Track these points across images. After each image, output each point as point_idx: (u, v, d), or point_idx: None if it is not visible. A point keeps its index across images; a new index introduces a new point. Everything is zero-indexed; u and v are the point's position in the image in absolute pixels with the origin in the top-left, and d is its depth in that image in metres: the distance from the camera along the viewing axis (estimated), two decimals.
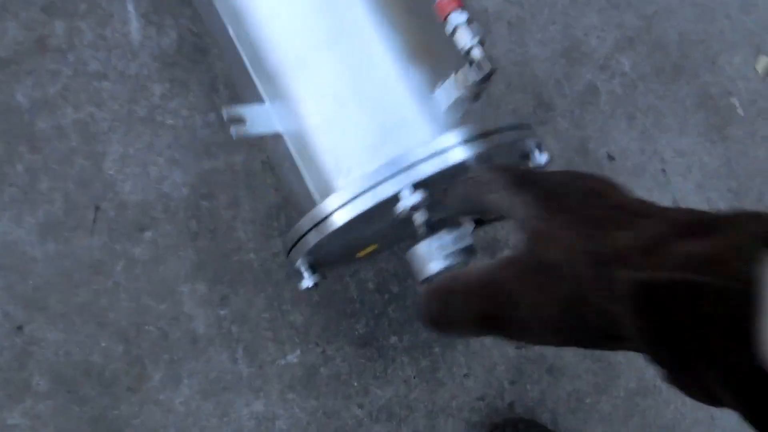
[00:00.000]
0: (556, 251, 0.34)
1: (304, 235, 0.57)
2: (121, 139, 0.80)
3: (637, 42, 0.93)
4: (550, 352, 0.84)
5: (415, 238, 0.63)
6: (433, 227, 0.61)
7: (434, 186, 0.54)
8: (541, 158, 0.62)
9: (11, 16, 0.81)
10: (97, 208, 0.78)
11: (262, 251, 0.80)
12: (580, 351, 0.85)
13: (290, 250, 0.59)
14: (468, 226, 0.58)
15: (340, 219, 0.53)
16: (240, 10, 0.60)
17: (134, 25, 0.83)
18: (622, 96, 0.92)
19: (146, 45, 0.83)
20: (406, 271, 0.83)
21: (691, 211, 0.33)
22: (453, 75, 0.55)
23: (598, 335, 0.34)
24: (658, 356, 0.30)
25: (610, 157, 0.90)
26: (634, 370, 0.85)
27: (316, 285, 0.63)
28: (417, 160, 0.52)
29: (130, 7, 0.83)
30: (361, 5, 0.59)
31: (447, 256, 0.60)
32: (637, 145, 0.91)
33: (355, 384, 0.79)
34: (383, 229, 0.63)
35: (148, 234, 0.79)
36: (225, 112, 0.57)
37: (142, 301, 0.77)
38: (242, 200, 0.81)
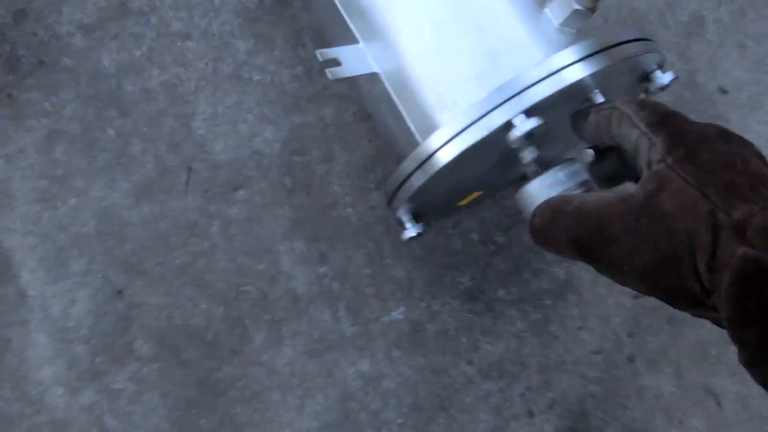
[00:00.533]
0: (674, 202, 0.33)
1: (408, 178, 0.53)
2: (209, 98, 0.78)
3: None
4: None
5: (523, 180, 0.58)
6: (543, 165, 0.56)
7: (549, 113, 0.50)
8: (664, 78, 0.56)
9: None
10: (190, 169, 0.76)
11: (359, 205, 0.77)
12: None
13: (393, 196, 0.56)
14: (584, 158, 0.53)
15: (447, 155, 0.49)
16: None
17: None
18: (731, 24, 0.85)
19: (227, 1, 0.81)
20: (511, 220, 0.79)
21: None
22: None
23: (687, 297, 0.33)
24: (745, 336, 0.30)
25: (722, 91, 0.83)
26: None
27: (419, 235, 0.59)
28: (529, 83, 0.47)
29: None
30: None
31: (560, 193, 0.55)
32: (752, 76, 0.84)
33: (464, 340, 0.75)
34: (492, 169, 0.59)
35: (242, 193, 0.76)
36: (318, 54, 0.53)
37: (239, 261, 0.75)
38: (336, 154, 0.78)
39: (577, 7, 0.50)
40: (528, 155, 0.55)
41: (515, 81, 0.48)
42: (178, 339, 0.73)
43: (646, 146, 0.38)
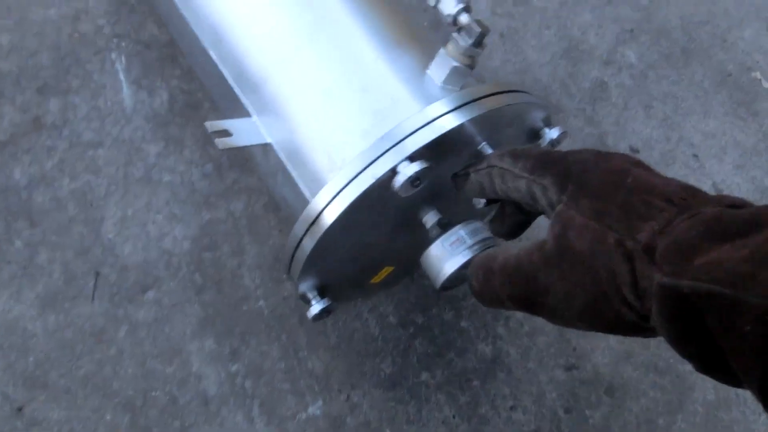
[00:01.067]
0: (582, 241, 0.34)
1: (300, 242, 0.52)
2: (119, 202, 0.79)
3: (638, 33, 0.90)
4: (606, 369, 0.74)
5: (429, 243, 0.57)
6: (444, 226, 0.56)
7: (440, 167, 0.50)
8: (552, 133, 0.57)
9: (8, 102, 0.83)
10: (98, 274, 0.75)
11: (271, 296, 0.75)
12: (641, 366, 0.75)
13: (289, 264, 0.54)
14: (477, 204, 0.52)
15: (335, 211, 0.48)
16: (219, 29, 0.60)
17: (126, 92, 0.84)
18: (634, 87, 0.87)
19: (139, 109, 0.84)
20: (429, 299, 0.76)
21: (721, 200, 0.32)
22: (443, 48, 0.52)
23: (627, 326, 0.34)
24: (688, 352, 0.31)
25: (633, 150, 0.84)
26: (709, 379, 0.74)
27: (327, 311, 0.57)
28: (408, 132, 0.48)
29: (122, 76, 0.85)
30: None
31: (462, 252, 0.54)
32: (661, 134, 0.85)
33: (388, 431, 0.71)
34: (395, 236, 0.58)
35: (150, 294, 0.75)
36: (208, 125, 0.54)
37: (147, 365, 0.72)
38: (246, 247, 0.77)
39: (455, 64, 0.51)
40: (430, 219, 0.55)
41: (395, 131, 0.48)
42: None
43: (540, 191, 0.39)
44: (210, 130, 0.54)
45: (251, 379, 0.72)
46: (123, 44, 0.87)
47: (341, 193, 0.48)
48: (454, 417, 0.72)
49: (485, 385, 0.73)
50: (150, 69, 0.86)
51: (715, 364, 0.29)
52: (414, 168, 0.47)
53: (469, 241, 0.55)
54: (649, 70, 0.88)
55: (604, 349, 0.75)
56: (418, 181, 0.48)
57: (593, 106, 0.86)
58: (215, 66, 0.60)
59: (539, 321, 0.75)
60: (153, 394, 0.71)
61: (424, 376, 0.73)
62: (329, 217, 0.49)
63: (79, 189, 0.79)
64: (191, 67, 0.83)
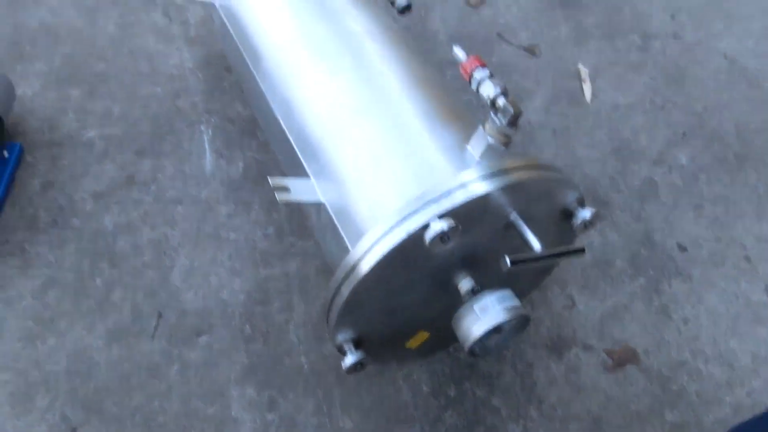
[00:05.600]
0: None
1: (339, 288, 0.60)
2: (189, 253, 0.91)
3: (690, 136, 0.96)
4: None
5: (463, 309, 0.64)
6: (476, 292, 0.63)
7: (474, 231, 0.58)
8: (585, 213, 0.64)
9: (110, 160, 0.99)
10: (160, 315, 0.86)
11: (313, 353, 0.83)
12: None
13: (328, 311, 0.63)
14: (503, 266, 0.59)
15: (370, 261, 0.57)
16: (290, 102, 0.73)
17: (208, 159, 0.99)
18: (684, 187, 0.93)
19: (217, 174, 0.98)
20: (464, 373, 0.81)
21: None
22: (481, 126, 0.61)
23: None
24: None
25: (681, 248, 0.88)
26: None
27: (361, 365, 0.64)
28: (441, 193, 0.57)
29: (206, 145, 1.00)
30: (393, 78, 0.70)
31: (491, 317, 0.61)
32: (710, 234, 0.89)
33: None
34: (429, 296, 0.65)
35: (204, 338, 0.84)
36: (270, 180, 0.66)
37: (191, 404, 0.80)
38: (295, 305, 0.87)
39: (491, 141, 0.60)
40: (465, 284, 0.62)
41: (429, 192, 0.57)
42: None
43: None
44: (272, 184, 0.66)
45: (284, 429, 0.78)
46: (212, 119, 1.03)
47: (377, 245, 0.57)
48: None
49: None
50: (231, 140, 1.01)
51: None
52: (442, 225, 0.55)
53: (498, 307, 0.62)
54: (700, 172, 0.94)
55: None
56: (447, 238, 0.55)
57: (641, 203, 0.92)
58: (284, 133, 0.72)
59: (574, 407, 0.78)
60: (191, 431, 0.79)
61: None
62: (365, 266, 0.58)
63: (156, 239, 0.93)
64: (266, 138, 0.97)
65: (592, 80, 1.07)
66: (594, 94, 1.04)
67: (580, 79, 1.06)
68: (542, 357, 0.82)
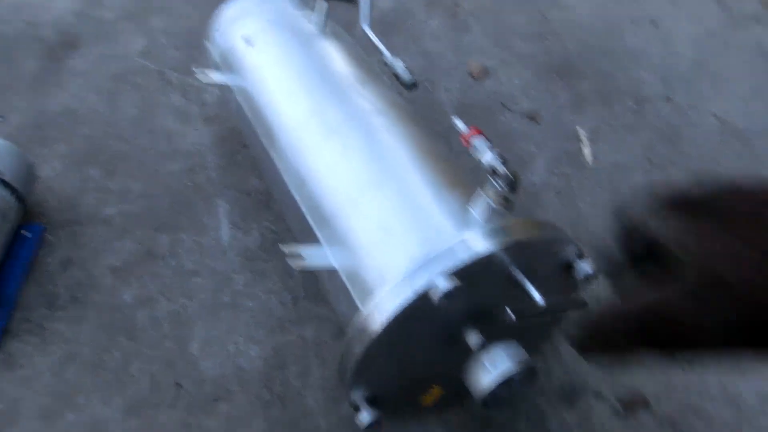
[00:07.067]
0: (730, 271, 0.34)
1: (351, 347, 0.63)
2: (207, 323, 0.94)
3: None
4: None
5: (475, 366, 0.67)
6: (485, 346, 0.66)
7: (470, 281, 0.61)
8: (586, 266, 0.68)
9: (129, 236, 1.04)
10: (179, 386, 0.88)
11: (330, 415, 0.84)
12: None
13: (342, 368, 0.65)
14: (505, 317, 0.62)
15: (380, 319, 0.60)
16: (303, 175, 0.78)
17: (225, 231, 1.04)
18: None
19: (233, 245, 1.02)
20: (476, 424, 0.82)
21: None
22: (482, 191, 0.66)
23: None
24: None
25: None
26: None
27: (377, 424, 0.66)
28: (445, 254, 0.61)
29: (223, 217, 1.05)
30: (401, 152, 0.75)
31: (501, 369, 0.64)
32: None
33: None
34: (436, 350, 0.68)
35: (222, 405, 0.86)
36: (285, 248, 0.70)
37: None
38: (312, 369, 0.89)
39: (492, 205, 0.65)
40: (474, 339, 0.65)
41: (434, 254, 0.61)
42: None
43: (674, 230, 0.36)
44: (286, 252, 0.70)
45: None
46: (228, 192, 1.08)
47: (387, 304, 0.61)
48: None
49: None
50: (247, 213, 1.06)
51: None
52: (446, 283, 0.58)
53: (507, 360, 0.64)
54: None
55: None
56: (452, 295, 0.59)
57: None
58: (297, 204, 0.77)
59: None
60: None
61: None
62: (376, 323, 0.61)
63: (174, 310, 0.96)
64: (280, 209, 1.02)
65: (592, 142, 1.13)
66: (594, 155, 1.09)
67: (579, 142, 1.12)
68: (555, 406, 0.84)
